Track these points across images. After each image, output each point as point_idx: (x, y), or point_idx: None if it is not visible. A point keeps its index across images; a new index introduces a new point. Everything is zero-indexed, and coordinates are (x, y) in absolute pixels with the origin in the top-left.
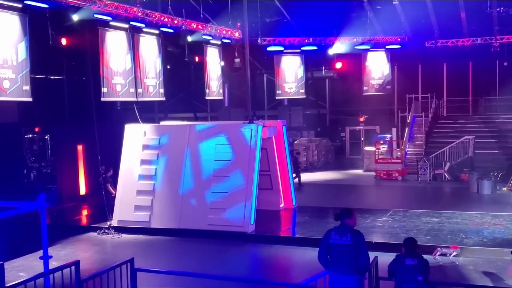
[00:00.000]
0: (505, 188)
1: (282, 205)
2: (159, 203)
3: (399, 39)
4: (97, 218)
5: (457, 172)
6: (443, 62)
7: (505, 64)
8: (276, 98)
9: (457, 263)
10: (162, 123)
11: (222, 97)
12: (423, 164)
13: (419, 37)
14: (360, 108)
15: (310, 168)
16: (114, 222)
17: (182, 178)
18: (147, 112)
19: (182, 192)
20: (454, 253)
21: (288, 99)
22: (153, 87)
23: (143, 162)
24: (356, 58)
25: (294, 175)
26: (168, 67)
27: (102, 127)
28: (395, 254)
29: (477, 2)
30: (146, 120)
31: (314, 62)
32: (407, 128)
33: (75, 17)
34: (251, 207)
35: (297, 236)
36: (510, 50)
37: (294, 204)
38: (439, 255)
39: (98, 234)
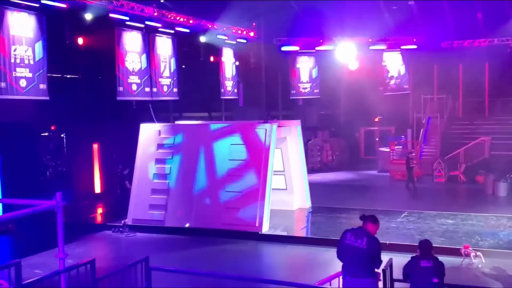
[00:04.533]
0: None
1: (296, 205)
2: (174, 202)
3: (414, 40)
4: (111, 217)
5: (472, 174)
6: (459, 62)
7: None
8: (291, 98)
9: (480, 265)
10: (177, 122)
11: (237, 97)
12: (438, 165)
13: (435, 38)
14: (375, 108)
15: (324, 168)
16: (128, 221)
17: (197, 177)
18: (162, 111)
19: (196, 191)
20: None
21: (303, 99)
22: (167, 86)
23: (158, 161)
24: (371, 59)
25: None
26: (183, 66)
27: (118, 126)
28: (410, 255)
29: (494, 3)
30: (161, 119)
31: (329, 62)
32: (422, 129)
33: (92, 17)
34: (265, 207)
35: (311, 236)
36: None
37: (308, 204)
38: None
39: (113, 232)
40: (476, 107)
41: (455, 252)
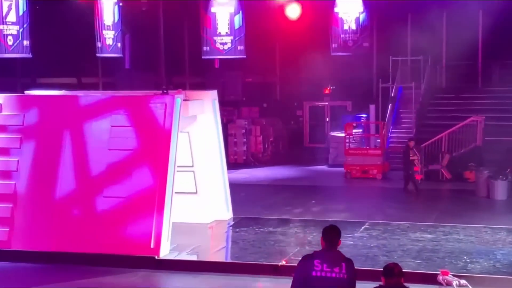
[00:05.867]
0: None
1: (211, 216)
2: (24, 213)
3: None
4: None
5: (459, 169)
6: (442, 11)
7: None
8: (203, 57)
9: None
10: (28, 92)
11: (121, 55)
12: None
13: None
14: (325, 75)
15: (253, 162)
16: None
17: (60, 177)
18: (6, 75)
19: (59, 197)
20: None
21: (221, 60)
22: (14, 37)
23: None
24: (320, 4)
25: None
26: (38, 7)
27: None
28: (372, 285)
29: None
30: (4, 88)
31: (258, 6)
32: (390, 105)
33: None
34: (165, 219)
35: (232, 261)
36: None
37: (229, 215)
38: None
39: None
40: (466, 74)
41: (435, 280)
